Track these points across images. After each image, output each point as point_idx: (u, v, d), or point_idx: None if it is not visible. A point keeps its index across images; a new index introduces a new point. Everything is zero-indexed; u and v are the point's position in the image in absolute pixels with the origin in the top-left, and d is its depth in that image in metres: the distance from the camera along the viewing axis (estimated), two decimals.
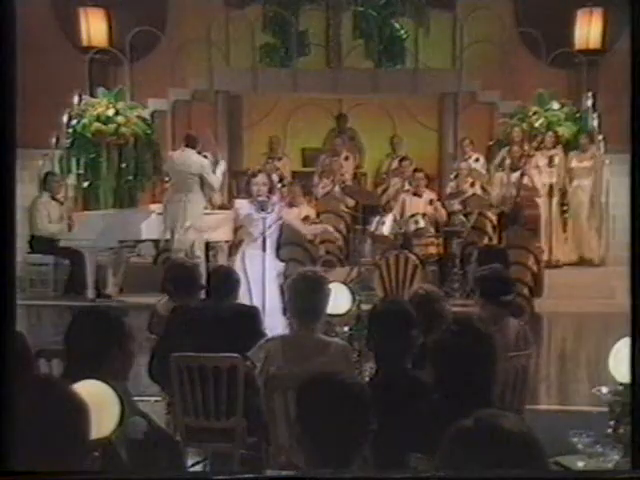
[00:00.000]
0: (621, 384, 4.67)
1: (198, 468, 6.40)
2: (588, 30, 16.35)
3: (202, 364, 6.28)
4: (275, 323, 8.45)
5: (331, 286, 6.62)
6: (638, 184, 3.12)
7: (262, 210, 8.75)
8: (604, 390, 4.89)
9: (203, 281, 7.47)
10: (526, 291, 12.78)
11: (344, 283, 6.96)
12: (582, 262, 14.86)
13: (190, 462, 6.35)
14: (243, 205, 9.25)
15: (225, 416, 6.31)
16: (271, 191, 9.57)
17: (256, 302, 8.49)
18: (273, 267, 9.10)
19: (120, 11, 16.57)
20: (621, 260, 14.57)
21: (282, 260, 9.58)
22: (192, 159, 13.43)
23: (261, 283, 8.67)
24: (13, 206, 3.05)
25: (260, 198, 8.85)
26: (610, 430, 4.80)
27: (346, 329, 6.70)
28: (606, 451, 4.77)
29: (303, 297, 5.93)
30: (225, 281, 7.07)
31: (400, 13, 16.81)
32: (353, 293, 6.91)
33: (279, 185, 15.21)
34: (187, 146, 13.75)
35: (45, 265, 14.23)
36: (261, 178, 9.45)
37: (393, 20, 16.80)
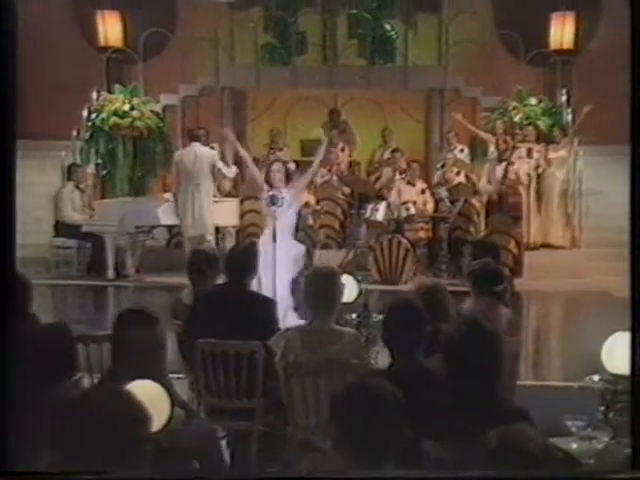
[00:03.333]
0: (612, 374, 4.69)
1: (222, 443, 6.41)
2: (562, 32, 16.35)
3: (225, 350, 6.30)
4: (286, 309, 8.49)
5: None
6: (638, 183, 3.25)
7: (273, 204, 8.74)
8: (595, 378, 4.90)
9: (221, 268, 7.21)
10: (507, 272, 12.84)
11: (351, 274, 6.91)
12: (556, 245, 14.81)
13: None
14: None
15: (245, 397, 6.34)
16: (288, 177, 9.50)
17: (265, 289, 8.48)
18: (292, 249, 9.02)
19: (134, 14, 16.53)
20: (592, 242, 14.66)
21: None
22: (200, 151, 13.45)
23: (272, 271, 8.61)
24: (13, 209, 3.11)
25: (271, 192, 8.82)
26: (601, 415, 4.85)
27: (354, 316, 6.74)
28: (597, 434, 4.82)
29: (318, 291, 5.96)
30: (245, 258, 7.06)
31: (391, 15, 16.75)
32: (360, 283, 6.91)
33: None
34: (192, 140, 13.77)
35: (69, 248, 14.17)
36: (277, 166, 9.44)
37: (384, 22, 16.71)
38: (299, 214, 9.20)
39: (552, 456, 2.82)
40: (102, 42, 16.52)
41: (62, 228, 14.21)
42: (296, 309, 8.44)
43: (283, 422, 6.13)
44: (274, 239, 8.70)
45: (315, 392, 5.76)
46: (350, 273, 12.43)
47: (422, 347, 4.89)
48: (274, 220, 8.76)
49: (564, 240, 14.77)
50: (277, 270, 8.62)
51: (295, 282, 8.73)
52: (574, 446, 4.76)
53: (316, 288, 5.96)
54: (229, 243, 14.14)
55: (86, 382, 6.23)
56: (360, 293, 6.77)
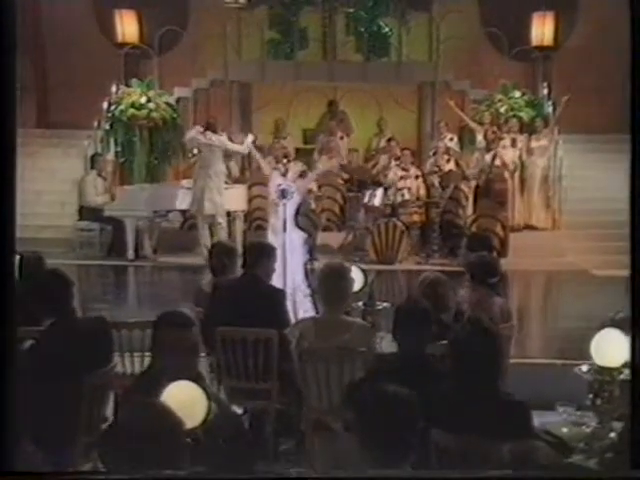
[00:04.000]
0: (600, 367, 4.72)
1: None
2: (542, 30, 16.36)
3: (244, 337, 6.38)
4: (298, 292, 8.53)
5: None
6: (638, 180, 3.08)
7: (284, 197, 8.75)
8: (584, 368, 4.93)
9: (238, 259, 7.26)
10: (494, 253, 12.88)
11: (358, 265, 6.94)
12: (538, 226, 14.83)
13: None
14: (275, 179, 9.21)
15: (262, 379, 6.41)
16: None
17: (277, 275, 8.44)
18: (296, 236, 9.00)
19: (149, 12, 16.51)
20: (571, 224, 14.69)
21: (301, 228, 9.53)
22: (212, 138, 13.47)
23: (282, 258, 8.60)
24: (13, 204, 2.98)
25: (282, 187, 8.80)
26: (589, 402, 4.89)
27: (360, 304, 6.76)
28: (585, 420, 4.89)
29: (330, 285, 6.01)
30: (260, 253, 7.06)
31: (385, 14, 16.71)
32: (365, 273, 6.95)
33: (285, 161, 15.22)
34: (207, 130, 13.77)
35: (92, 230, 14.16)
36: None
37: (379, 20, 16.68)
38: (300, 202, 9.13)
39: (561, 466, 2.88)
40: (120, 39, 16.53)
41: (85, 212, 14.25)
42: (311, 295, 8.50)
43: (297, 402, 6.21)
44: (284, 229, 8.73)
45: (327, 377, 5.83)
46: (352, 258, 12.65)
47: (428, 341, 4.96)
48: (284, 211, 8.77)
49: (545, 222, 14.78)
50: (288, 257, 8.64)
51: (306, 267, 8.80)
52: (565, 430, 4.83)
53: (328, 283, 6.01)
54: (239, 226, 14.21)
55: (119, 368, 6.34)
56: (366, 283, 6.79)
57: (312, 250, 9.20)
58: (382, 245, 13.55)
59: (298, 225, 8.87)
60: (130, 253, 13.75)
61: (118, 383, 5.79)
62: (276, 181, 8.89)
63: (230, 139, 13.94)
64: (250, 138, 13.03)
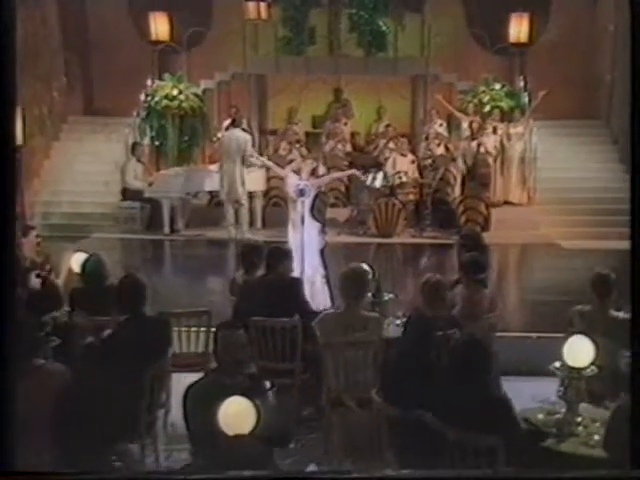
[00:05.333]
0: (570, 367, 5.02)
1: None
2: (519, 29, 16.34)
3: (272, 325, 6.69)
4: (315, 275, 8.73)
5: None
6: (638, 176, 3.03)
7: (301, 195, 8.92)
8: (557, 364, 5.21)
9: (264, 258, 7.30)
10: (478, 228, 13.14)
11: (368, 264, 7.14)
12: (515, 202, 14.98)
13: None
14: (292, 179, 9.22)
15: (288, 360, 6.74)
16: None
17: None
18: (313, 227, 9.02)
19: (178, 14, 16.56)
20: (543, 200, 14.90)
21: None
22: (238, 135, 13.66)
23: (301, 247, 8.80)
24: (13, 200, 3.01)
25: (301, 186, 8.87)
26: (560, 393, 5.18)
27: (369, 295, 6.94)
28: (557, 408, 5.20)
29: (351, 285, 6.28)
30: (280, 256, 7.30)
31: (384, 14, 16.63)
32: (374, 270, 7.17)
33: (297, 145, 15.44)
34: (233, 125, 13.97)
35: (133, 209, 14.38)
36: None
37: (378, 19, 16.63)
38: (315, 197, 9.19)
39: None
40: (153, 37, 16.51)
41: (127, 193, 14.45)
42: (326, 276, 8.75)
43: (317, 379, 6.52)
44: (302, 222, 8.92)
45: (344, 362, 6.14)
46: (357, 231, 12.84)
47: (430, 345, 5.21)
48: (302, 207, 8.94)
49: (521, 198, 14.94)
50: (306, 247, 8.81)
51: (322, 254, 8.98)
52: (540, 417, 5.15)
53: (349, 283, 6.27)
54: (258, 203, 14.45)
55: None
56: (374, 279, 7.02)
57: (325, 239, 9.29)
58: (382, 221, 13.79)
59: (314, 217, 8.99)
60: (166, 228, 14.01)
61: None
62: (294, 181, 9.03)
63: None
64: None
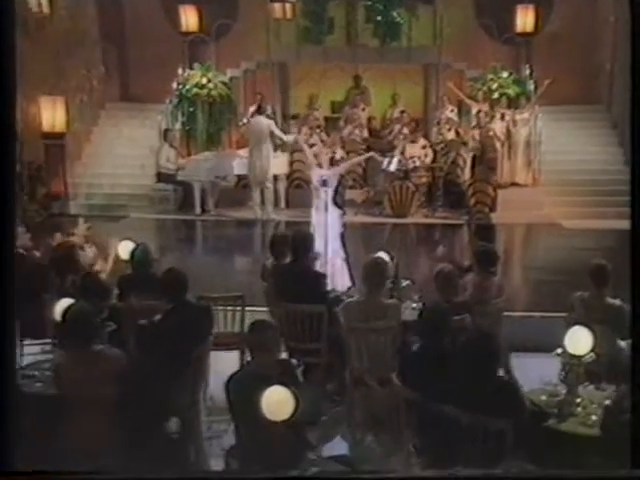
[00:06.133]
0: (571, 354, 5.27)
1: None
2: (525, 20, 16.39)
3: (301, 310, 6.94)
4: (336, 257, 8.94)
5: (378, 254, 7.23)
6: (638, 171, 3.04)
7: (324, 185, 9.11)
8: (559, 351, 5.46)
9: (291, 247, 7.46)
10: (486, 209, 13.36)
11: (388, 252, 7.36)
12: (521, 183, 15.09)
13: None
14: (316, 170, 9.34)
15: (315, 340, 6.99)
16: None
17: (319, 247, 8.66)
18: (335, 212, 9.12)
19: (207, 7, 16.72)
20: (547, 182, 15.06)
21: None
22: (263, 122, 13.86)
23: (324, 232, 9.00)
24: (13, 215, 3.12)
25: (324, 177, 9.02)
26: (561, 377, 5.44)
27: (388, 282, 7.15)
28: (559, 390, 5.45)
29: (372, 275, 6.50)
30: (305, 245, 7.48)
31: (398, 5, 16.65)
32: (393, 258, 7.40)
33: (317, 130, 15.58)
34: (258, 112, 14.16)
35: (167, 191, 14.66)
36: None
37: (393, 10, 16.67)
38: (337, 187, 9.30)
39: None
40: (184, 29, 16.66)
41: (161, 176, 14.71)
42: (346, 259, 8.99)
43: (341, 360, 6.78)
44: (326, 209, 9.12)
45: (366, 345, 6.39)
46: (373, 212, 13.03)
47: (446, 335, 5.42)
48: (325, 196, 9.12)
49: (526, 180, 15.07)
50: (329, 232, 9.00)
51: (342, 237, 9.19)
52: (543, 398, 5.40)
53: (371, 273, 6.49)
54: (282, 185, 14.66)
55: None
56: (393, 266, 7.24)
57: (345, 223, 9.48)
58: (397, 202, 13.98)
59: (336, 204, 9.19)
60: (197, 209, 14.27)
61: None
62: (318, 173, 9.22)
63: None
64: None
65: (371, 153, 12.89)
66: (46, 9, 13.63)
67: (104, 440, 4.88)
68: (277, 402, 4.14)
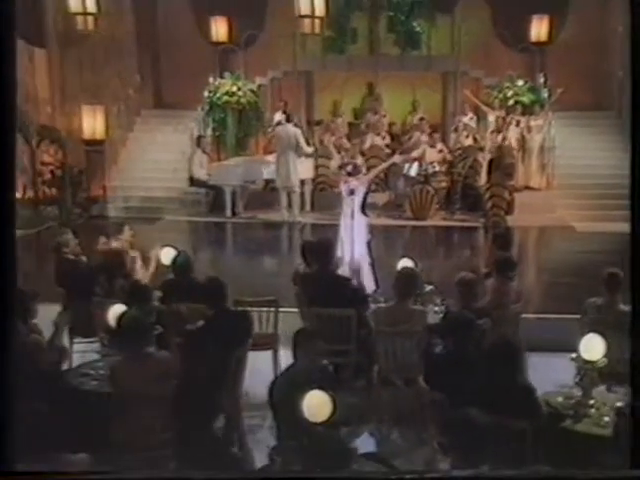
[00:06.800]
0: (585, 360, 5.45)
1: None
2: (540, 30, 16.53)
3: (332, 314, 7.14)
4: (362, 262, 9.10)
5: (404, 261, 7.43)
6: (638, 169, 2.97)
7: (351, 194, 9.26)
8: (573, 355, 5.63)
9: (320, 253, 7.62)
10: (502, 212, 13.49)
11: (412, 259, 7.54)
12: (535, 187, 15.20)
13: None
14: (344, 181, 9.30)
15: (345, 342, 7.16)
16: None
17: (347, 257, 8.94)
18: (362, 221, 9.16)
19: (236, 18, 16.93)
20: (560, 185, 15.16)
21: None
22: (290, 130, 14.06)
23: (350, 240, 9.10)
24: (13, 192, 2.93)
25: (351, 186, 9.08)
26: (577, 380, 5.60)
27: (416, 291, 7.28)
28: (574, 392, 5.62)
29: (404, 285, 6.69)
30: (326, 249, 7.71)
31: (418, 16, 16.85)
32: (417, 264, 7.59)
33: (340, 137, 15.67)
34: (287, 120, 14.37)
35: (198, 194, 14.88)
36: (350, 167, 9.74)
37: (413, 21, 16.85)
38: (365, 195, 9.34)
39: None
40: (214, 39, 16.94)
41: (194, 181, 14.92)
42: (372, 264, 9.17)
43: (369, 361, 6.98)
44: (352, 216, 9.28)
45: (393, 347, 6.59)
46: (394, 214, 13.14)
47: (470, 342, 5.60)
48: (353, 203, 9.23)
49: (540, 183, 15.19)
50: (356, 238, 9.10)
51: (369, 244, 9.34)
52: (559, 399, 5.58)
53: (402, 283, 6.68)
54: (307, 189, 14.84)
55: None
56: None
57: (372, 230, 9.60)
58: (417, 205, 14.13)
59: (363, 213, 9.33)
60: (227, 212, 14.48)
61: None
62: (346, 182, 9.29)
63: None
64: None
65: (394, 159, 12.93)
66: (91, 26, 13.94)
67: (156, 435, 5.10)
68: (317, 405, 4.35)
